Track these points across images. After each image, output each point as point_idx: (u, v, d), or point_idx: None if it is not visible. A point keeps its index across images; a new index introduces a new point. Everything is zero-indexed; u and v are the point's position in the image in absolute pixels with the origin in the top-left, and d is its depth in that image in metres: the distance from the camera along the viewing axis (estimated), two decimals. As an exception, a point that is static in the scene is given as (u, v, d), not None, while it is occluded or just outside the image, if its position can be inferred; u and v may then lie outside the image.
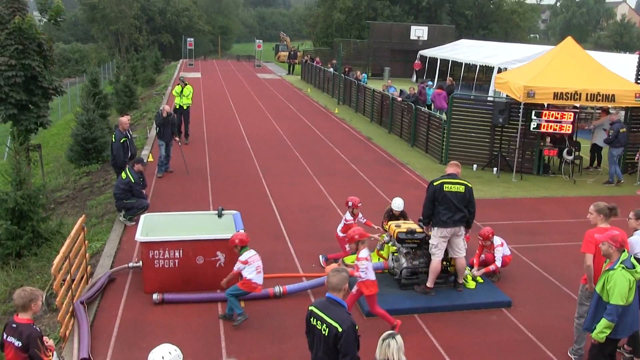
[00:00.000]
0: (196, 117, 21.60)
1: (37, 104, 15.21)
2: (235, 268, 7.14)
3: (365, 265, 6.66)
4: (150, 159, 15.25)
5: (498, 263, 8.43)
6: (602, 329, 5.48)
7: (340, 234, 8.87)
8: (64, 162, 17.73)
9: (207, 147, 17.10)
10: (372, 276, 6.77)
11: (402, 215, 8.97)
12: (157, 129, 13.97)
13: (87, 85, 23.38)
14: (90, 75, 24.31)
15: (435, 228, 7.76)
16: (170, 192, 12.56)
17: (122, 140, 11.43)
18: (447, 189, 7.66)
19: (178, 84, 17.89)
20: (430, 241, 7.91)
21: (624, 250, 5.55)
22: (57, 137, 24.36)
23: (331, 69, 31.79)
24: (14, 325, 4.82)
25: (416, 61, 37.77)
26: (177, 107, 17.41)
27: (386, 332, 4.45)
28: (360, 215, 8.98)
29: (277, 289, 7.86)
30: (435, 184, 7.76)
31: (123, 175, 10.40)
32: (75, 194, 14.08)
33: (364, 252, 6.70)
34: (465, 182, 7.83)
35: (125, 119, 11.83)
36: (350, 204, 8.82)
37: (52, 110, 19.57)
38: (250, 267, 7.09)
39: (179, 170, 13.87)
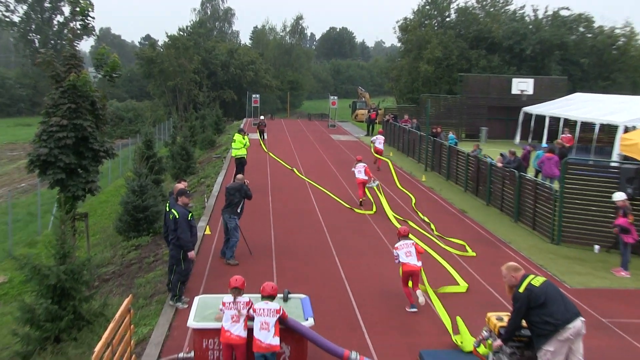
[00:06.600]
0: (260, 184, 22.27)
1: (86, 168, 15.95)
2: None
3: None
4: (208, 232, 15.72)
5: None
6: None
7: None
8: (112, 233, 18.67)
9: (273, 221, 17.44)
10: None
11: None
12: (238, 204, 13.41)
13: (140, 147, 24.80)
14: (144, 136, 25.89)
15: (549, 340, 7.34)
16: (229, 271, 12.79)
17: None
18: (539, 284, 7.49)
19: (238, 133, 22.36)
20: (544, 348, 7.38)
21: None
22: (106, 205, 25.79)
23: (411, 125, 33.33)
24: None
25: None
26: (234, 155, 22.03)
27: None
28: None
29: (354, 355, 8.11)
30: (521, 290, 7.51)
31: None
32: (122, 270, 14.68)
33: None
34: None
35: (181, 186, 12.25)
36: None
37: (102, 174, 20.69)
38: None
39: (240, 248, 13.94)
